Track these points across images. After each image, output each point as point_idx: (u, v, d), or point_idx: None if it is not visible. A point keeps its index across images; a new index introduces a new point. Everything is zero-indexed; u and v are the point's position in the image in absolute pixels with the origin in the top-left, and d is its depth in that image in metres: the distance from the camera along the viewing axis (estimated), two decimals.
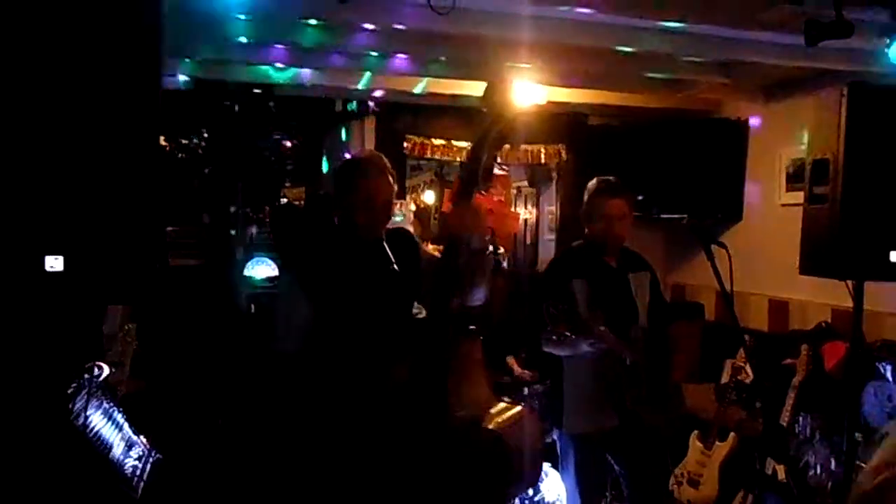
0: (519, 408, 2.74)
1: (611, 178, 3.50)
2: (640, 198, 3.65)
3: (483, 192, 2.54)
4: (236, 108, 5.45)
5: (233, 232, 6.36)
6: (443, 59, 4.55)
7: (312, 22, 3.82)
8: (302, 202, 8.09)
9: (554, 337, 3.16)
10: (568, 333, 3.10)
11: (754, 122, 5.47)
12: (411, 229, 7.20)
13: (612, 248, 3.47)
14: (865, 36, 3.40)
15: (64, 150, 2.06)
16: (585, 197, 3.50)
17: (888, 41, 3.46)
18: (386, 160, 2.76)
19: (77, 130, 2.08)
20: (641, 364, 3.31)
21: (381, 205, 2.64)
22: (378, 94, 5.59)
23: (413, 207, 7.81)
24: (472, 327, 2.70)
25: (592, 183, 3.51)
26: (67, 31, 2.08)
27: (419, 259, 2.73)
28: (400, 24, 3.67)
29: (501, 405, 2.65)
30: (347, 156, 6.41)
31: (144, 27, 2.14)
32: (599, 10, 3.46)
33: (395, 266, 2.56)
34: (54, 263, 2.00)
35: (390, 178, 2.69)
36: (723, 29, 3.74)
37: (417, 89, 5.23)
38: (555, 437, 3.60)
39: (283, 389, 2.70)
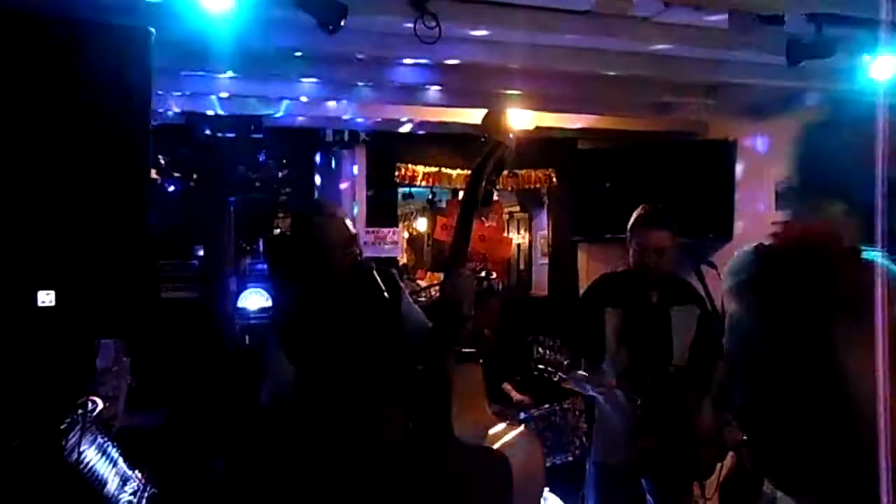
0: (521, 428, 2.77)
1: (658, 205, 3.37)
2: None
3: (483, 217, 2.58)
4: (227, 140, 5.47)
5: (226, 264, 6.36)
6: (432, 87, 4.58)
7: (299, 53, 3.86)
8: None
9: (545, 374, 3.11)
10: (552, 370, 3.05)
11: (742, 141, 5.51)
12: (405, 257, 7.25)
13: (651, 280, 3.33)
14: (846, 54, 3.44)
15: (55, 186, 2.07)
16: (628, 225, 3.37)
17: (868, 58, 3.50)
18: (334, 205, 2.80)
19: (68, 166, 2.09)
20: (656, 410, 3.19)
21: (349, 243, 2.66)
22: (368, 123, 5.62)
23: (406, 235, 7.84)
24: (471, 351, 2.72)
25: (636, 211, 3.37)
26: (56, 68, 2.10)
27: (400, 294, 2.76)
28: (387, 54, 3.71)
29: (502, 426, 2.67)
30: (342, 189, 6.48)
31: (134, 64, 2.16)
32: (585, 35, 3.50)
33: (386, 294, 2.58)
34: (46, 298, 2.00)
35: (347, 221, 2.72)
36: (706, 51, 3.78)
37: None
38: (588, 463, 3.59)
39: (275, 437, 2.72)
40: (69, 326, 2.06)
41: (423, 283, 6.85)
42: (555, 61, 3.93)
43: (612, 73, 4.17)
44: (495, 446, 2.50)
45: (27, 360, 2.24)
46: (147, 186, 2.21)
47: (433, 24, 2.99)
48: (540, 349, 3.01)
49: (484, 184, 2.57)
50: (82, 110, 2.13)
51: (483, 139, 2.64)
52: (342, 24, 2.72)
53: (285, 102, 4.89)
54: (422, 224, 8.34)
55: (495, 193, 6.69)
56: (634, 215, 3.36)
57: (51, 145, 2.09)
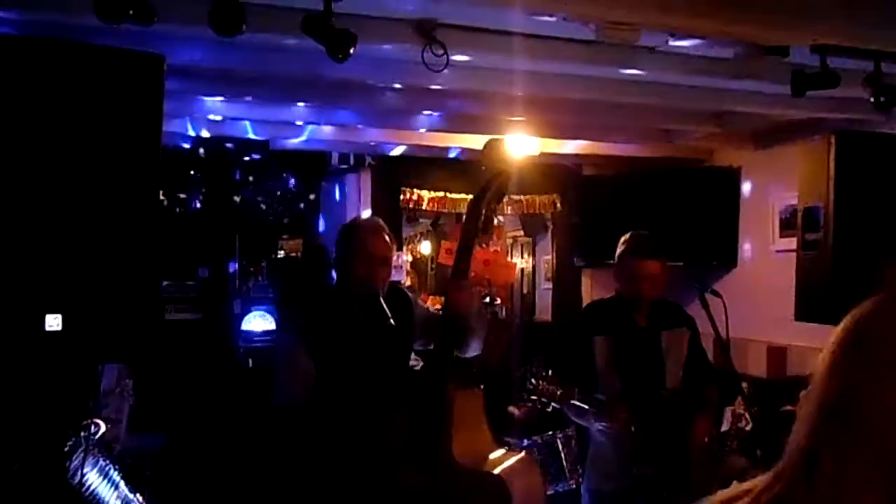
0: (521, 454, 2.77)
1: (644, 232, 3.32)
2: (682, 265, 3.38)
3: (483, 244, 2.62)
4: (232, 162, 5.50)
5: (230, 286, 6.37)
6: (438, 113, 4.61)
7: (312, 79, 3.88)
8: (299, 255, 8.12)
9: (540, 401, 3.10)
10: (545, 400, 3.04)
11: (746, 169, 5.53)
12: (408, 280, 7.25)
13: (639, 306, 3.30)
14: (851, 84, 3.45)
15: (64, 211, 2.08)
16: (616, 252, 3.32)
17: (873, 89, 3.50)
18: (384, 224, 2.82)
19: (77, 191, 2.11)
20: (650, 436, 3.13)
21: (379, 260, 2.67)
22: (374, 147, 5.65)
23: (409, 258, 7.84)
24: (472, 375, 2.74)
25: (623, 238, 3.32)
26: (68, 93, 2.12)
27: (413, 315, 2.77)
28: (395, 82, 3.74)
29: (502, 451, 2.67)
30: (347, 212, 6.49)
31: (145, 90, 2.18)
32: (591, 64, 3.52)
33: (392, 321, 2.58)
34: (53, 322, 2.01)
35: (387, 238, 2.73)
36: (712, 80, 3.80)
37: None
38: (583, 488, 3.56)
39: (283, 444, 2.71)
40: (75, 350, 2.07)
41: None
42: (560, 89, 3.95)
43: (617, 101, 4.19)
44: (495, 471, 2.51)
45: (33, 382, 2.24)
46: (156, 212, 2.22)
47: (441, 51, 3.01)
48: (532, 380, 3.00)
49: (484, 212, 2.60)
50: (92, 135, 2.15)
51: (483, 168, 2.69)
52: (351, 52, 2.73)
53: (291, 126, 4.92)
54: (425, 247, 8.35)
55: (499, 219, 6.77)
56: (622, 245, 3.31)
57: (60, 169, 2.10)
